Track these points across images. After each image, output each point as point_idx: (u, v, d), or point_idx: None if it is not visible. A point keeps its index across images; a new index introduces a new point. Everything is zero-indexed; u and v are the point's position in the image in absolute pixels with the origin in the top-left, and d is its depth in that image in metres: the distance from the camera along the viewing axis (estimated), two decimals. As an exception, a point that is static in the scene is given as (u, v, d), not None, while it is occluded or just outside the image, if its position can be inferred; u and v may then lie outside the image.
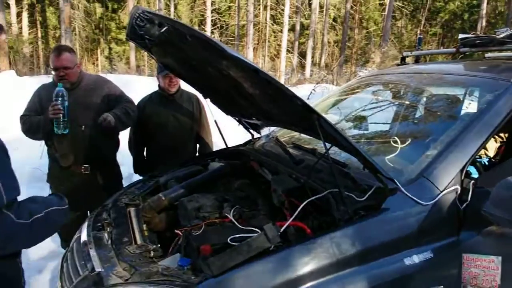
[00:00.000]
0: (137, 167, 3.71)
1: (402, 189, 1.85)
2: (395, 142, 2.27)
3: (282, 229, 1.76)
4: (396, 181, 1.85)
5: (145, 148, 3.70)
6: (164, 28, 2.02)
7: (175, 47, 2.29)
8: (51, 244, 3.97)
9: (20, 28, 23.33)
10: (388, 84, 3.35)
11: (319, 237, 1.72)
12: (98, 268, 1.88)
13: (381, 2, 29.53)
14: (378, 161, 1.95)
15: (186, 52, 2.28)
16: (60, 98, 2.85)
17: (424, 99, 3.01)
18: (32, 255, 3.72)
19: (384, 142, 2.83)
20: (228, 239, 1.83)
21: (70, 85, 3.03)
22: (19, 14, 23.42)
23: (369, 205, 1.84)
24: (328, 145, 1.99)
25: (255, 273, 1.62)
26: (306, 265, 1.64)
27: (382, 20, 28.77)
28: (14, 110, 6.79)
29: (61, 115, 2.86)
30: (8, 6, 20.40)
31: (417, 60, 3.48)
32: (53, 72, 3.08)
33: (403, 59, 3.48)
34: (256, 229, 1.88)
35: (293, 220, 1.84)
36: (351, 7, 26.37)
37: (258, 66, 1.75)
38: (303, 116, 1.90)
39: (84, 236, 2.22)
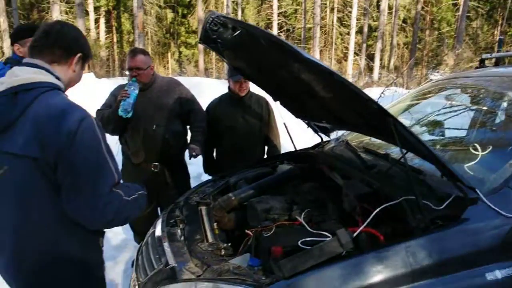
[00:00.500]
0: (207, 167, 3.81)
1: (484, 199, 1.75)
2: (475, 149, 2.15)
3: (355, 235, 1.73)
4: (477, 190, 1.76)
5: (214, 149, 3.78)
6: (237, 32, 2.06)
7: (247, 50, 2.33)
8: (124, 236, 4.18)
9: (98, 33, 24.77)
10: (464, 88, 3.18)
11: (394, 245, 1.67)
12: (172, 263, 1.95)
13: (454, 2, 28.14)
14: (456, 169, 1.86)
15: (258, 55, 2.31)
16: (131, 87, 3.02)
17: (505, 104, 2.83)
18: (106, 245, 3.93)
19: (462, 149, 2.70)
20: (299, 242, 1.82)
21: (142, 85, 3.17)
22: (97, 21, 24.88)
23: (448, 214, 1.76)
24: (404, 150, 1.93)
25: (326, 278, 1.60)
26: (379, 273, 1.60)
27: (455, 20, 27.39)
28: (93, 109, 7.27)
29: (127, 98, 3.00)
30: (87, 13, 21.73)
31: (497, 63, 3.27)
32: (127, 72, 3.25)
33: (482, 61, 3.28)
34: (327, 234, 1.87)
35: (365, 226, 1.81)
36: (422, 8, 25.37)
37: (333, 69, 1.73)
38: (377, 120, 1.86)
39: (158, 231, 2.32)
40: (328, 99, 2.24)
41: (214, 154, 3.80)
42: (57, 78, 1.66)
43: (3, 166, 1.58)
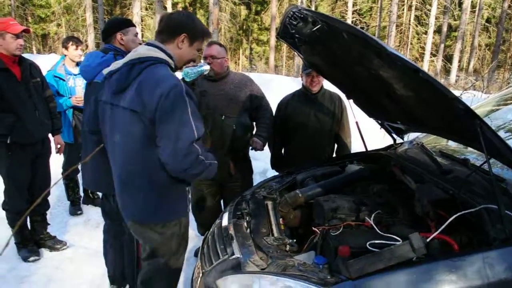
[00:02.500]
0: (275, 163, 3.81)
1: None
2: None
3: (428, 240, 1.65)
4: None
5: (283, 145, 3.78)
6: (318, 26, 2.03)
7: (325, 45, 2.30)
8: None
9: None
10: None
11: (470, 254, 1.58)
12: (237, 254, 1.98)
13: (547, 0, 26.01)
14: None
15: (336, 50, 2.27)
16: (202, 65, 3.04)
17: None
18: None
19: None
20: (367, 243, 1.78)
21: (214, 74, 3.26)
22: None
23: (533, 227, 1.63)
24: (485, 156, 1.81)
25: (394, 282, 1.55)
26: (452, 283, 1.53)
27: (546, 21, 25.33)
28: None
29: (193, 67, 3.05)
30: (165, 9, 22.61)
31: None
32: (202, 61, 3.34)
33: None
34: (396, 237, 1.80)
35: (439, 232, 1.72)
36: (509, 7, 23.66)
37: (419, 66, 1.65)
38: (461, 122, 1.76)
39: (225, 223, 2.36)
40: (408, 98, 2.15)
41: (283, 150, 3.80)
42: (168, 55, 2.13)
43: (121, 119, 2.10)
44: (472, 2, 23.98)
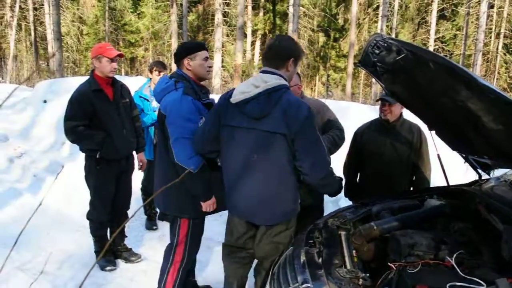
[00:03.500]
0: (349, 191, 3.74)
1: None
2: None
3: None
4: None
5: (359, 174, 3.71)
6: (402, 55, 1.99)
7: (409, 74, 2.24)
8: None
9: (253, 55, 26.41)
10: None
11: None
12: (308, 283, 1.95)
13: None
14: None
15: (420, 80, 2.20)
16: None
17: None
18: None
19: None
20: (448, 285, 1.67)
21: None
22: (253, 43, 26.59)
23: None
24: None
25: (478, 331, 1.44)
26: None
27: None
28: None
29: None
30: (245, 36, 23.36)
31: None
32: None
33: None
34: (480, 281, 1.68)
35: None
36: None
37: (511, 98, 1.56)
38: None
39: (297, 250, 2.34)
40: (497, 131, 2.03)
41: (358, 179, 3.72)
42: (285, 79, 2.44)
43: (260, 140, 2.42)
44: None
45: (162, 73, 4.56)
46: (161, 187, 2.61)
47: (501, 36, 24.83)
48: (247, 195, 2.55)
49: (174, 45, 20.74)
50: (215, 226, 4.57)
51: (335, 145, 3.24)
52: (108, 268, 3.74)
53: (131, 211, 4.24)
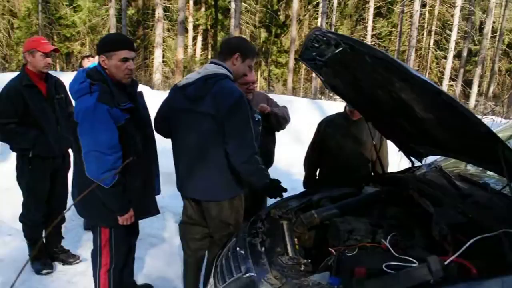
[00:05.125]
0: (308, 182, 3.81)
1: None
2: None
3: (446, 263, 1.62)
4: None
5: (318, 166, 3.78)
6: (340, 49, 2.05)
7: (346, 67, 2.31)
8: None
9: (194, 50, 26.17)
10: None
11: (488, 279, 1.55)
12: (251, 272, 1.97)
13: None
14: None
15: (357, 73, 2.28)
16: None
17: None
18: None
19: None
20: (383, 265, 1.76)
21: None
22: (194, 38, 26.30)
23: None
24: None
25: (411, 305, 1.52)
26: (471, 307, 1.49)
27: None
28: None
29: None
30: (186, 31, 23.05)
31: None
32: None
33: None
34: (413, 260, 1.78)
35: (457, 256, 1.69)
36: (532, 33, 23.46)
37: (441, 88, 1.65)
38: (482, 145, 1.74)
39: (239, 240, 2.35)
40: (428, 120, 2.14)
41: (318, 171, 3.80)
42: (228, 70, 2.65)
43: (197, 121, 2.61)
44: (493, 27, 23.86)
45: (91, 60, 4.38)
46: (79, 194, 2.53)
47: (433, 33, 26.19)
48: (188, 174, 2.75)
49: (113, 40, 20.06)
50: (157, 222, 4.50)
51: (286, 119, 3.42)
52: (44, 271, 3.56)
53: (69, 212, 4.08)
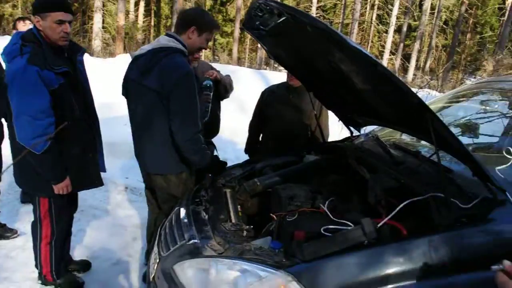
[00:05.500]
0: (249, 149, 3.94)
1: (513, 201, 1.73)
2: (508, 152, 2.12)
3: (378, 226, 1.73)
4: (507, 193, 1.74)
5: (260, 132, 3.87)
6: (282, 18, 2.06)
7: (289, 37, 2.33)
8: (144, 215, 4.27)
9: (136, 16, 25.13)
10: (501, 93, 3.11)
11: (416, 239, 1.67)
12: (195, 239, 2.00)
13: (500, 6, 27.23)
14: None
15: (300, 43, 2.30)
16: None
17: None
18: (127, 224, 4.04)
19: (493, 153, 2.66)
20: (321, 228, 1.84)
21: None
22: (136, 4, 25.23)
23: (474, 214, 1.75)
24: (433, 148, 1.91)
25: (346, 264, 1.62)
26: (400, 264, 1.61)
27: (499, 25, 26.54)
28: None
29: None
30: (129, -6, 22.10)
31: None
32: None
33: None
34: (349, 223, 1.88)
35: (389, 219, 1.81)
36: (466, 10, 24.62)
37: (378, 60, 1.71)
38: (414, 115, 1.84)
39: (183, 209, 2.37)
40: (366, 91, 2.23)
41: (260, 137, 3.89)
42: (183, 44, 2.56)
43: (144, 95, 2.55)
44: (432, 4, 24.78)
45: (27, 23, 4.13)
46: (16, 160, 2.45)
47: (375, 7, 26.81)
48: (137, 146, 2.79)
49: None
50: (99, 194, 4.42)
51: (232, 87, 3.48)
52: (-20, 246, 3.42)
53: (2, 183, 3.90)
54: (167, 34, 2.61)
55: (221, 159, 2.98)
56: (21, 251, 3.44)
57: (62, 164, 2.58)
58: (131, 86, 2.65)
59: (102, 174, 2.91)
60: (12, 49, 2.42)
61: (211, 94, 3.16)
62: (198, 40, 2.63)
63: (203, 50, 2.92)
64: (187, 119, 2.48)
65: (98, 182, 2.86)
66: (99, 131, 2.89)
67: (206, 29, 2.63)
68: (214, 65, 4.08)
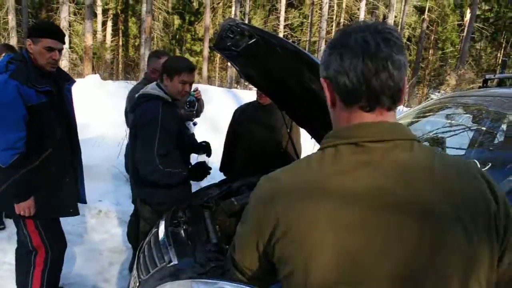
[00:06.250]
0: (224, 167, 4.01)
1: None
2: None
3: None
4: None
5: (234, 151, 3.92)
6: (253, 40, 2.12)
7: (260, 58, 2.39)
8: (119, 239, 4.21)
9: (104, 36, 24.92)
10: (464, 108, 3.25)
11: None
12: (175, 261, 2.00)
13: (459, 22, 28.42)
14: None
15: (271, 63, 2.37)
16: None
17: (504, 125, 2.89)
18: (103, 248, 3.97)
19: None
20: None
21: None
22: (104, 23, 25.05)
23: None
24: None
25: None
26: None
27: (460, 41, 27.66)
28: (97, 110, 7.33)
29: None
30: (95, 15, 21.90)
31: (500, 83, 3.33)
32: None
33: (485, 81, 3.33)
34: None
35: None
36: (427, 27, 25.59)
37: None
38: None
39: (161, 231, 2.36)
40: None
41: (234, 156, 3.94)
42: (163, 90, 2.79)
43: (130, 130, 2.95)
44: (395, 21, 25.62)
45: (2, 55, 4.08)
46: None
47: (341, 25, 27.43)
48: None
49: (12, 23, 18.50)
50: (72, 218, 4.31)
51: (201, 108, 3.74)
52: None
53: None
54: (156, 84, 2.84)
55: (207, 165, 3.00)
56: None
57: (30, 183, 2.54)
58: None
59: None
60: None
61: (194, 109, 3.35)
62: (171, 84, 2.76)
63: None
64: (144, 157, 2.68)
65: (74, 211, 2.82)
66: (80, 161, 2.91)
67: (174, 74, 2.73)
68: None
